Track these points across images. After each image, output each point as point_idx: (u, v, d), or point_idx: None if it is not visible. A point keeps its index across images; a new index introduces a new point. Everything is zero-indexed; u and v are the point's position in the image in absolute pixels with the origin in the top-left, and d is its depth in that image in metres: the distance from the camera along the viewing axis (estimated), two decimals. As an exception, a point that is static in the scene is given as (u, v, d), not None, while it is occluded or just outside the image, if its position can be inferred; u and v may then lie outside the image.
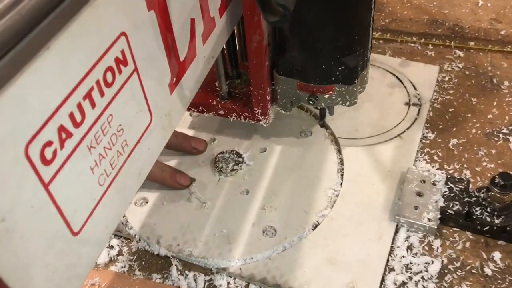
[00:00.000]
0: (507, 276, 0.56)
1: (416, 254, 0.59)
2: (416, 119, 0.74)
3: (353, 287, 0.56)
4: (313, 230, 0.62)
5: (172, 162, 0.70)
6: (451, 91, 0.78)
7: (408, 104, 0.76)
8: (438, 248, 0.59)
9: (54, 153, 0.31)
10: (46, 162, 0.30)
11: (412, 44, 0.87)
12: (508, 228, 0.58)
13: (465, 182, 0.62)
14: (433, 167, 0.68)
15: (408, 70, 0.81)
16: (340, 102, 0.62)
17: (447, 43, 0.86)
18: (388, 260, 0.59)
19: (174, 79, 0.46)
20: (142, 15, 0.39)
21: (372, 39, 0.63)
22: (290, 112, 0.67)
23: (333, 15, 0.54)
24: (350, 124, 0.74)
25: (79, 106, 0.33)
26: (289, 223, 0.63)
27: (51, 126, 0.30)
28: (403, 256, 0.59)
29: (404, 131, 0.72)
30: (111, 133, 0.37)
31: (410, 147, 0.70)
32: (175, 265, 0.60)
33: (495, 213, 0.58)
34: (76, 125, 0.33)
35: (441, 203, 0.61)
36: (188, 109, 0.68)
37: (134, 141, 0.40)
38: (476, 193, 0.61)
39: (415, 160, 0.69)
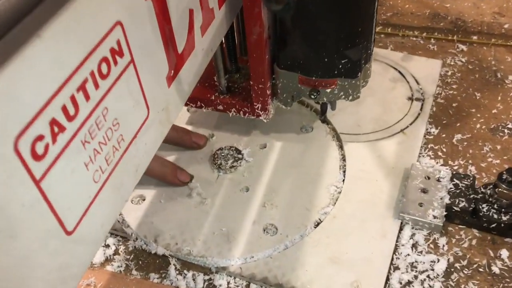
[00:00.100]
0: (515, 274, 0.55)
1: (421, 252, 0.57)
2: (419, 114, 0.72)
3: (357, 286, 0.55)
4: (315, 228, 0.60)
5: (170, 158, 0.69)
6: (454, 86, 0.77)
7: (411, 99, 0.75)
8: (444, 246, 0.58)
9: (46, 148, 0.29)
10: (37, 157, 0.29)
11: (414, 38, 0.86)
12: (515, 225, 0.57)
13: (471, 179, 0.61)
14: (437, 163, 0.66)
15: (410, 64, 0.80)
16: (343, 96, 0.61)
17: (450, 37, 0.85)
18: (392, 259, 0.57)
19: (172, 72, 0.44)
20: (138, 4, 0.37)
21: (375, 32, 0.61)
22: (290, 107, 0.65)
23: (336, 6, 0.53)
24: (352, 120, 0.72)
25: (73, 98, 0.31)
26: (290, 221, 0.61)
27: (42, 119, 0.29)
28: (408, 255, 0.57)
29: (407, 127, 0.70)
30: (107, 128, 0.35)
31: (414, 142, 0.68)
32: (173, 264, 0.58)
33: (503, 210, 0.57)
34: (69, 118, 0.31)
35: (447, 200, 0.59)
36: (186, 104, 0.67)
37: (130, 136, 0.39)
38: (483, 190, 0.59)
39: (419, 156, 0.67)
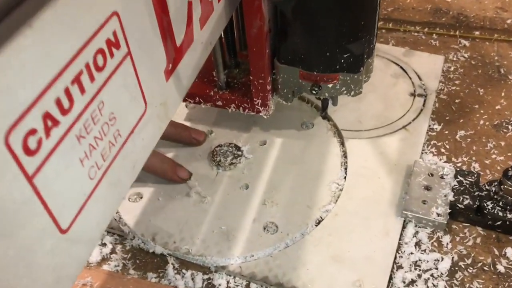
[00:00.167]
0: (520, 273, 0.54)
1: (425, 250, 0.56)
2: (421, 110, 0.71)
3: (360, 285, 0.53)
4: (317, 226, 0.59)
5: (168, 155, 0.67)
6: (457, 82, 0.75)
7: (413, 94, 0.73)
8: (447, 244, 0.57)
9: (39, 142, 0.28)
10: (29, 152, 0.27)
11: (416, 34, 0.85)
12: (521, 223, 0.56)
13: (475, 175, 0.60)
14: (440, 159, 0.65)
15: (412, 60, 0.79)
16: (345, 91, 0.59)
17: (452, 33, 0.84)
18: (395, 257, 0.56)
19: (170, 65, 0.43)
20: (135, -6, 0.36)
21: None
22: (291, 103, 0.64)
23: (339, -2, 0.52)
24: (353, 116, 0.71)
25: (67, 91, 0.30)
26: (291, 219, 0.60)
27: (35, 112, 0.27)
28: (412, 253, 0.56)
29: (410, 123, 0.69)
30: (103, 122, 0.34)
31: (416, 139, 0.67)
32: (172, 263, 0.57)
33: (508, 207, 0.56)
34: (64, 112, 0.30)
35: (451, 197, 0.58)
36: (184, 100, 0.66)
37: (127, 131, 0.37)
38: (487, 187, 0.58)
39: (422, 153, 0.66)
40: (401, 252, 0.56)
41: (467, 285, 0.53)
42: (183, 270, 0.57)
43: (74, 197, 0.32)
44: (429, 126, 0.69)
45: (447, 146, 0.67)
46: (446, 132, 0.68)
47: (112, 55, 0.34)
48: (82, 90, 0.31)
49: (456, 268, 0.55)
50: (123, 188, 0.38)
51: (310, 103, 0.74)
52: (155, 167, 0.63)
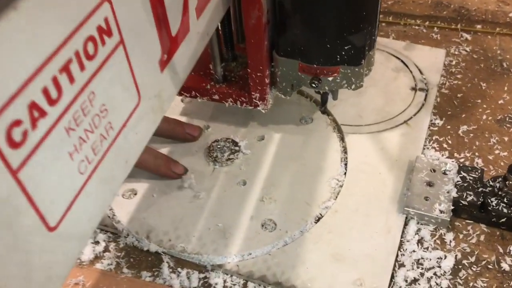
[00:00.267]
0: (526, 271, 0.52)
1: (427, 248, 0.55)
2: (423, 104, 0.69)
3: (360, 284, 0.52)
4: (316, 223, 0.58)
5: (163, 151, 0.66)
6: (459, 76, 0.74)
7: (414, 89, 0.72)
8: (451, 242, 0.55)
9: (24, 134, 0.26)
10: (14, 144, 0.26)
11: (416, 27, 0.83)
12: (526, 220, 0.54)
13: (479, 171, 0.58)
14: (442, 155, 0.64)
15: (413, 53, 0.77)
16: (345, 85, 0.58)
17: (453, 26, 0.82)
18: (397, 255, 0.54)
19: (165, 55, 0.41)
20: (128, -21, 0.34)
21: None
22: (289, 97, 0.62)
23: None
24: (353, 110, 0.69)
25: (55, 80, 0.28)
26: (290, 216, 0.58)
27: (19, 102, 0.26)
28: (414, 251, 0.55)
29: (411, 118, 0.68)
30: (93, 114, 0.32)
31: (418, 134, 0.66)
32: (167, 262, 0.56)
33: (513, 204, 0.55)
34: (51, 102, 0.28)
35: (454, 194, 0.56)
36: (180, 94, 0.64)
37: (120, 124, 0.36)
38: (491, 183, 0.57)
39: (424, 148, 0.64)
40: (403, 250, 0.55)
41: (471, 284, 0.52)
42: (179, 269, 0.55)
43: (63, 193, 0.30)
44: (431, 121, 0.68)
45: (450, 142, 0.65)
46: (448, 127, 0.67)
47: (103, 43, 0.32)
48: (72, 79, 0.30)
49: (460, 266, 0.53)
50: (116, 183, 0.37)
51: (309, 97, 0.72)
52: (148, 163, 0.61)
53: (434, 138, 0.66)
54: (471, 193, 0.56)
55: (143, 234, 0.58)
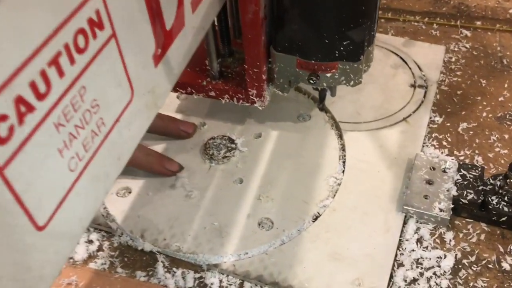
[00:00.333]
0: (527, 271, 0.52)
1: (427, 247, 0.54)
2: (422, 101, 0.69)
3: (359, 284, 0.51)
4: (314, 222, 0.57)
5: (157, 148, 0.65)
6: (458, 73, 0.73)
7: (413, 86, 0.71)
8: (450, 241, 0.54)
9: (11, 130, 0.25)
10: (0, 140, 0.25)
11: (416, 23, 0.82)
12: (527, 219, 0.53)
13: (479, 169, 0.57)
14: (442, 153, 0.63)
15: (412, 50, 0.76)
16: (344, 81, 0.57)
17: (453, 23, 0.81)
18: (396, 255, 0.54)
19: (159, 50, 0.40)
20: (121, -30, 0.33)
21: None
22: (287, 94, 0.61)
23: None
24: (351, 107, 0.68)
25: (43, 73, 0.27)
26: (287, 215, 0.57)
27: (5, 96, 0.24)
28: (413, 250, 0.54)
29: (410, 115, 0.67)
30: (84, 109, 0.31)
31: (417, 131, 0.65)
32: (162, 261, 0.55)
33: (513, 202, 0.54)
34: (40, 96, 0.27)
35: (454, 192, 0.56)
36: (176, 91, 0.63)
37: (112, 120, 0.35)
38: (492, 181, 0.56)
39: (423, 146, 0.64)
40: (402, 249, 0.54)
41: (471, 284, 0.51)
42: (174, 269, 0.54)
43: (52, 191, 0.29)
44: (430, 118, 0.67)
45: (449, 139, 0.64)
46: (448, 124, 0.66)
47: (94, 36, 0.31)
48: (61, 73, 0.28)
49: (460, 266, 0.52)
50: (108, 181, 0.36)
51: (307, 94, 0.71)
52: (140, 161, 0.60)
53: (433, 135, 0.65)
54: (471, 191, 0.55)
55: (138, 233, 0.57)
